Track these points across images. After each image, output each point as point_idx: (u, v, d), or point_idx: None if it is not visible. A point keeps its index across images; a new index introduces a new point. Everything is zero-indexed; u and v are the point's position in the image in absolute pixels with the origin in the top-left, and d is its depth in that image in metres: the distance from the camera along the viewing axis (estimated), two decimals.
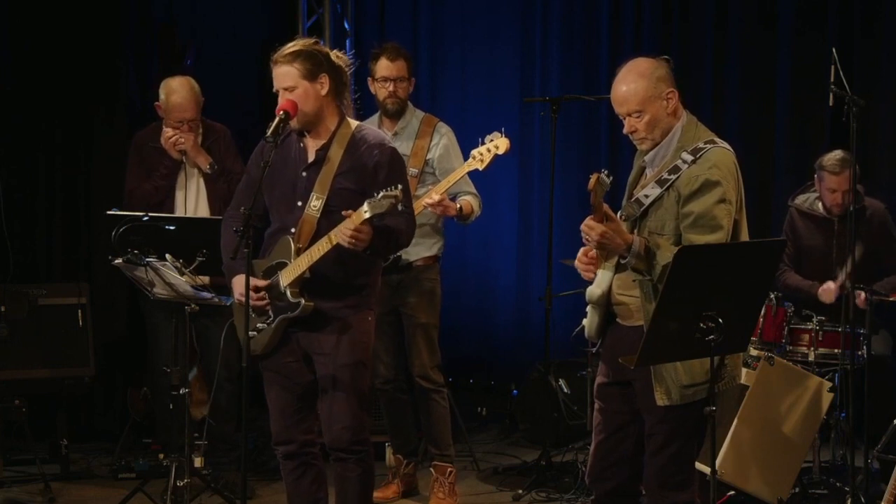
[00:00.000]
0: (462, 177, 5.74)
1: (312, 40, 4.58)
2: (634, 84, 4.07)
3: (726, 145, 4.13)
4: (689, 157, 4.04)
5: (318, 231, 4.43)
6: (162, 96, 6.04)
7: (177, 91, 6.01)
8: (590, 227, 3.94)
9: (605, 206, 3.95)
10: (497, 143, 5.64)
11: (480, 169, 5.66)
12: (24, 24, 7.09)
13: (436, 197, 5.62)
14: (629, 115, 4.10)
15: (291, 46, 4.48)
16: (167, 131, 5.99)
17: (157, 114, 6.11)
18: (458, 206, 5.76)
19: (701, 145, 4.07)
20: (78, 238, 7.32)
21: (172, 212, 5.99)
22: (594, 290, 4.16)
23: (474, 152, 5.67)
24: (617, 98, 4.11)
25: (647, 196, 4.08)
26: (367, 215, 4.22)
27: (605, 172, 3.94)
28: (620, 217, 4.10)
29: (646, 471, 4.17)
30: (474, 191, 5.89)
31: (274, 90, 4.47)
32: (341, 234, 4.29)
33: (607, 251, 4.03)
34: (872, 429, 5.46)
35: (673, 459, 4.10)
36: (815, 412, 5.45)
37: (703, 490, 4.22)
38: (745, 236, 4.13)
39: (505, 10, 8.22)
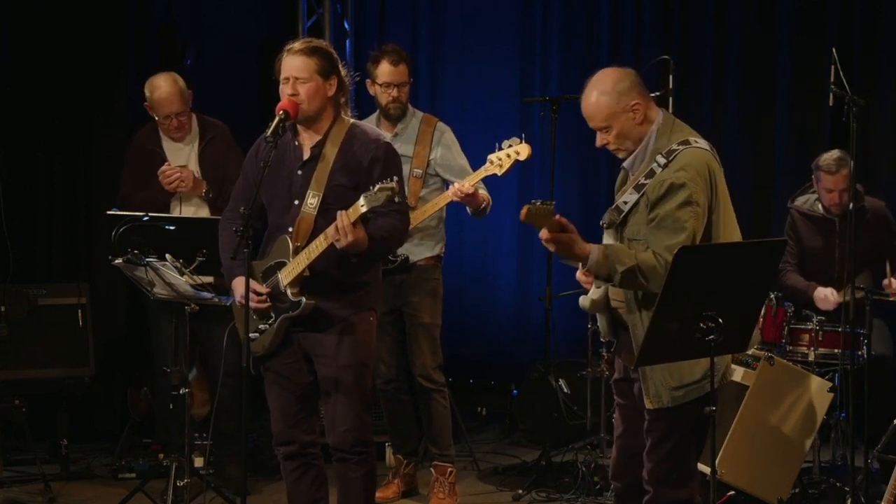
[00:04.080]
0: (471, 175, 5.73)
1: (326, 43, 4.63)
2: (597, 101, 4.11)
3: (702, 144, 4.10)
4: (663, 161, 4.06)
5: (315, 229, 4.42)
6: (147, 94, 6.04)
7: (160, 87, 6.00)
8: (548, 239, 3.98)
9: (561, 218, 3.98)
10: (518, 149, 5.58)
11: (499, 174, 5.61)
12: (24, 23, 7.09)
13: (469, 185, 5.56)
14: (598, 129, 4.14)
15: (309, 42, 4.51)
16: (167, 172, 5.90)
17: (149, 114, 6.10)
18: (484, 196, 5.72)
19: (674, 147, 4.07)
20: (78, 238, 7.33)
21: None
22: (583, 302, 4.26)
23: (492, 157, 5.61)
24: (584, 113, 4.16)
25: (625, 203, 4.11)
26: (364, 209, 4.22)
27: (540, 202, 3.95)
28: (602, 224, 4.16)
29: (645, 468, 4.19)
30: (484, 187, 5.87)
31: (283, 77, 4.44)
32: (330, 231, 4.29)
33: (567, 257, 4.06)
34: (872, 429, 5.47)
35: (667, 457, 4.12)
36: (815, 412, 5.45)
37: (703, 490, 4.23)
38: (727, 234, 4.09)
39: (505, 10, 8.22)
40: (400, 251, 5.78)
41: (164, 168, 5.93)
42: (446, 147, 5.89)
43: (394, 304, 5.90)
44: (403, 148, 5.79)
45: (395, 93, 5.84)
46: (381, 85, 5.85)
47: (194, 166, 6.04)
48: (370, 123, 5.80)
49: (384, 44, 6.09)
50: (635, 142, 4.13)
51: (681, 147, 4.06)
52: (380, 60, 5.85)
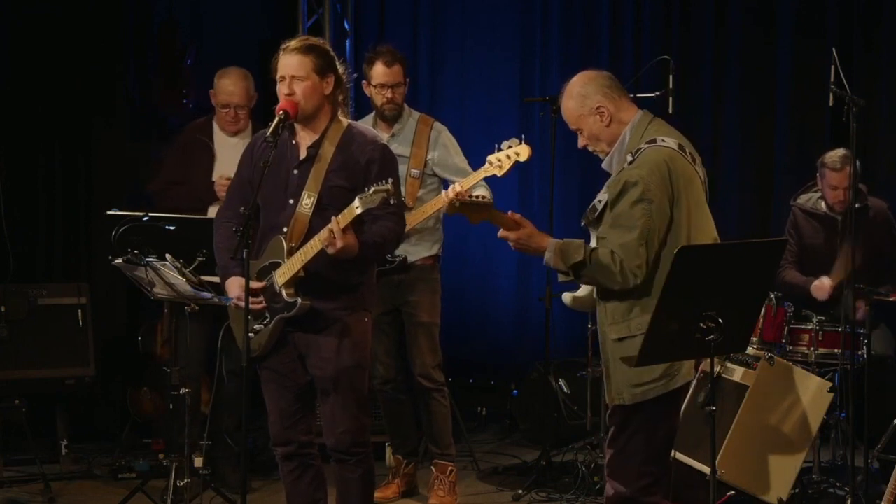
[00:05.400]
0: (471, 176, 5.69)
1: (322, 40, 4.62)
2: (565, 105, 4.22)
3: (668, 143, 4.08)
4: (630, 159, 4.09)
5: (310, 229, 4.41)
6: (215, 80, 6.13)
7: (227, 75, 6.12)
8: (503, 237, 4.14)
9: (514, 215, 4.13)
10: (518, 150, 5.55)
11: (499, 175, 5.58)
12: (24, 23, 7.09)
13: (458, 188, 5.54)
14: (575, 132, 4.23)
15: (306, 40, 4.51)
16: (224, 184, 5.91)
17: (211, 101, 6.17)
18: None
19: (642, 146, 4.08)
20: (78, 238, 7.33)
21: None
22: (566, 298, 4.34)
23: (491, 158, 5.58)
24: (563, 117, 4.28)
25: (600, 201, 4.14)
26: (359, 210, 4.21)
27: (469, 194, 4.04)
28: (582, 224, 4.18)
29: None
30: (486, 185, 5.84)
31: (279, 76, 4.44)
32: (322, 234, 4.29)
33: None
34: (872, 429, 5.47)
35: (619, 453, 4.13)
36: (815, 412, 5.45)
37: (703, 490, 4.23)
38: (695, 234, 4.03)
39: (505, 10, 8.22)
40: (398, 251, 5.78)
41: (221, 179, 5.95)
42: (444, 147, 5.89)
43: (392, 303, 5.90)
44: (401, 148, 5.79)
45: (389, 94, 5.83)
46: (375, 86, 5.84)
47: None
48: (366, 124, 5.80)
49: (379, 45, 6.07)
50: (609, 143, 4.18)
51: (646, 146, 4.07)
52: (374, 62, 5.84)
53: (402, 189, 5.72)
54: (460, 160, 5.88)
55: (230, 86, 6.09)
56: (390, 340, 5.98)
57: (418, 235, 5.86)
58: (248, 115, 6.14)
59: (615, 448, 4.14)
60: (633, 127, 4.15)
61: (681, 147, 4.10)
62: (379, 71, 5.82)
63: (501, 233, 4.13)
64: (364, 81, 5.91)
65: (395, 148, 5.69)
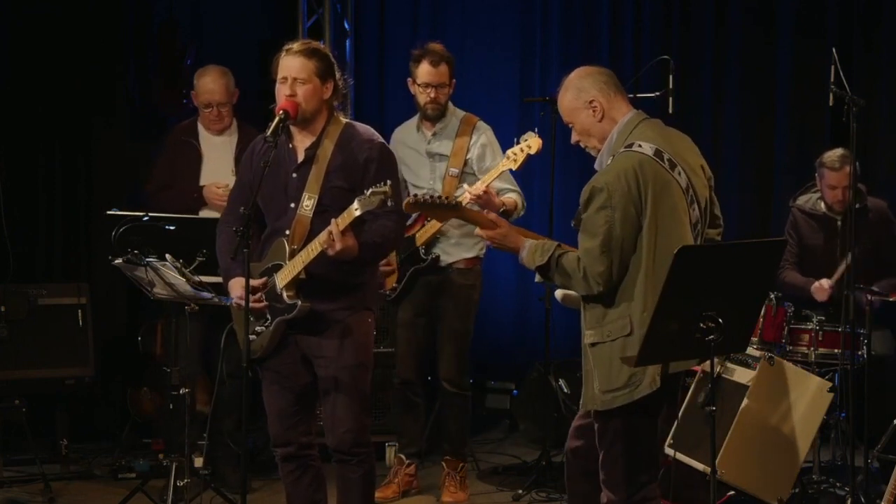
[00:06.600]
0: (503, 174, 5.68)
1: (325, 46, 4.64)
2: (561, 97, 4.20)
3: (642, 148, 4.01)
4: (610, 162, 4.08)
5: (311, 231, 4.42)
6: (195, 81, 6.16)
7: (206, 74, 6.15)
8: (479, 235, 4.20)
9: (490, 214, 4.21)
10: (530, 143, 5.59)
11: (514, 168, 5.62)
12: (24, 23, 7.09)
13: (481, 187, 5.55)
14: (569, 126, 4.22)
15: (309, 43, 4.52)
16: (219, 193, 5.92)
17: (193, 103, 6.21)
18: (502, 201, 5.69)
19: (621, 150, 4.05)
20: (78, 238, 7.33)
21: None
22: (558, 294, 4.31)
23: (509, 152, 5.62)
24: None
25: None
26: (358, 213, 4.22)
27: (421, 195, 4.24)
28: (572, 225, 4.15)
29: None
30: (517, 188, 5.84)
31: (280, 77, 4.44)
32: (322, 237, 4.29)
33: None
34: (872, 429, 5.47)
35: (604, 460, 4.11)
36: (815, 412, 5.45)
37: (704, 490, 4.22)
38: (663, 243, 3.93)
39: (505, 10, 8.22)
40: (435, 250, 5.78)
41: (215, 188, 5.95)
42: (482, 148, 5.87)
43: (426, 305, 5.89)
44: (442, 146, 5.80)
45: (433, 93, 5.82)
46: (420, 85, 5.84)
47: (230, 160, 6.06)
48: (411, 124, 5.82)
49: (428, 43, 5.99)
50: (599, 139, 4.15)
51: (623, 150, 4.04)
52: (420, 60, 5.83)
53: (440, 187, 5.76)
54: (497, 162, 5.81)
55: (210, 84, 6.10)
56: (419, 342, 5.99)
57: (460, 234, 5.81)
58: (230, 112, 6.15)
59: (601, 454, 4.12)
60: (620, 128, 4.11)
61: (658, 153, 4.01)
62: (424, 70, 5.82)
63: (478, 231, 4.18)
64: (409, 79, 5.89)
65: (437, 146, 5.73)
